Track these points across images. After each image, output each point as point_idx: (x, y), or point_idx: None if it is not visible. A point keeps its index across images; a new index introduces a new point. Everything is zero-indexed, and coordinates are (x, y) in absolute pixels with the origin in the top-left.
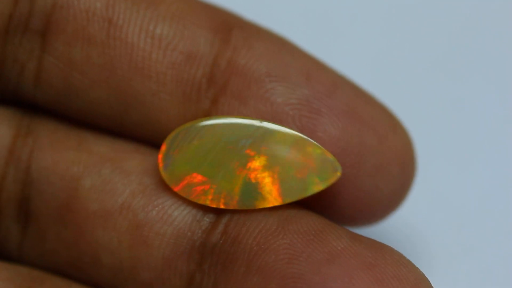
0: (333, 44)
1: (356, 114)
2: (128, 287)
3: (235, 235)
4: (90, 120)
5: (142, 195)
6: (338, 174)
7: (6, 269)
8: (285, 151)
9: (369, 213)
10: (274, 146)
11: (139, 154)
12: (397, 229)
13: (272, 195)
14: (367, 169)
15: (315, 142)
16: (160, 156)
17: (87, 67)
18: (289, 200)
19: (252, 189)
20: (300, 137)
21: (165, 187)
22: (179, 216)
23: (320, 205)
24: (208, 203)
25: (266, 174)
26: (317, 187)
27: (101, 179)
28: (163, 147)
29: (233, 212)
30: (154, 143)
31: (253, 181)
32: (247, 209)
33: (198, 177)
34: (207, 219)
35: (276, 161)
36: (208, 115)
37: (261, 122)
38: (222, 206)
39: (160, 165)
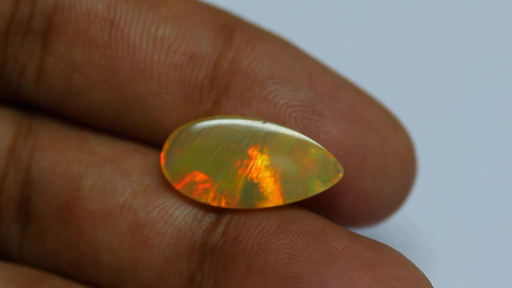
0: (335, 46)
1: (358, 116)
2: (128, 287)
3: (235, 235)
4: (91, 121)
5: (143, 195)
6: (340, 175)
7: (6, 269)
8: (287, 152)
9: (371, 214)
10: (276, 146)
11: (140, 154)
12: (398, 229)
13: (273, 195)
14: (369, 171)
15: (317, 144)
16: (162, 154)
17: (88, 68)
18: (290, 200)
19: (253, 189)
20: (303, 138)
21: (166, 187)
22: (180, 216)
23: (322, 206)
24: (209, 201)
25: (268, 174)
26: (319, 188)
27: (102, 179)
28: (166, 146)
29: (233, 212)
30: (155, 144)
31: (255, 181)
32: (248, 209)
33: (200, 176)
34: (208, 219)
35: (278, 162)
36: (210, 116)
37: (264, 122)
38: (223, 205)
39: (162, 163)
